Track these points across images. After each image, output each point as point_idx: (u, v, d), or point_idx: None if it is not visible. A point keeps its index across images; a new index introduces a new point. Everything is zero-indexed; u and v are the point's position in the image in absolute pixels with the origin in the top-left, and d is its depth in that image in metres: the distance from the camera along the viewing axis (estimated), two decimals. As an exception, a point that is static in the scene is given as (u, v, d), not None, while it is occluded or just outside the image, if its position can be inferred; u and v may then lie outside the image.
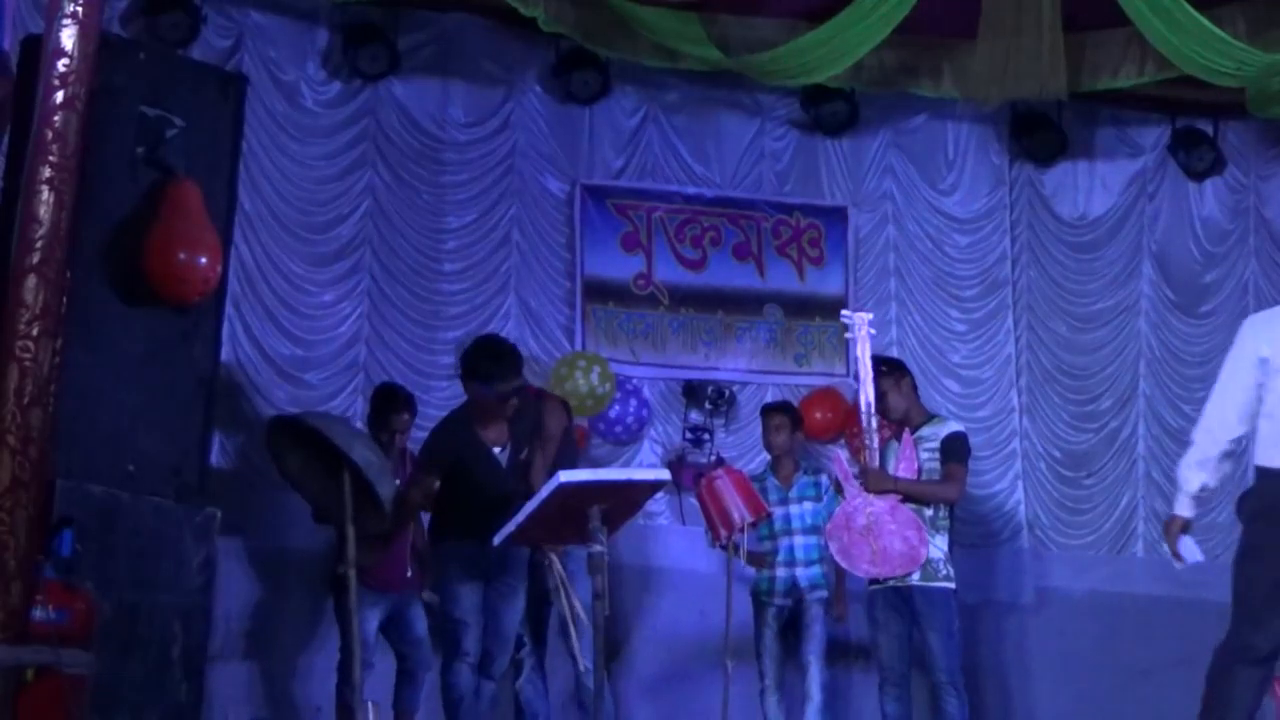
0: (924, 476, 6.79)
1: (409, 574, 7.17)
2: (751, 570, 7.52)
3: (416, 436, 7.46)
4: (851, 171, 9.45)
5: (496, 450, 6.47)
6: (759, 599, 7.53)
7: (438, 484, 6.67)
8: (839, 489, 7.03)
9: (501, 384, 6.31)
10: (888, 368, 7.01)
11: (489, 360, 6.39)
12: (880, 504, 6.69)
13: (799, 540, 7.50)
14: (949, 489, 6.82)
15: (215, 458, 7.43)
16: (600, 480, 4.90)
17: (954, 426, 7.03)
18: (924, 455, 6.85)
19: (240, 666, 7.95)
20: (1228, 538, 9.41)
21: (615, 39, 8.45)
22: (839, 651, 8.67)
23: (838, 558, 6.84)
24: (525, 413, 6.50)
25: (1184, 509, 5.10)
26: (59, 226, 4.89)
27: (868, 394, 6.69)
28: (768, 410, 7.88)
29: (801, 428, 7.93)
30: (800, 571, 7.52)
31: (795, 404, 8.92)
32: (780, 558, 7.45)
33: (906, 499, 6.75)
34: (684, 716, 8.35)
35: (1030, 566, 9.19)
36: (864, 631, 7.78)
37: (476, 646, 6.45)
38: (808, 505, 7.48)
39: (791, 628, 7.58)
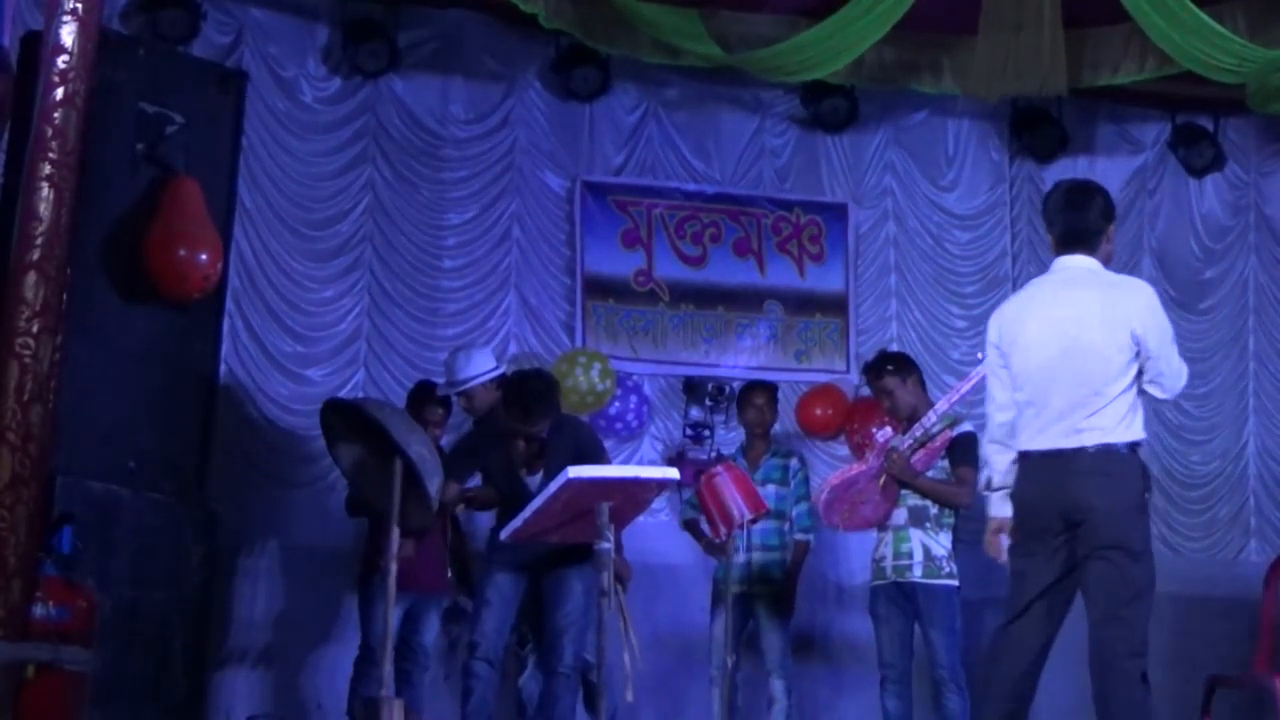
0: (932, 474, 6.77)
1: (448, 575, 7.17)
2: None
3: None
4: (852, 168, 9.44)
5: (532, 477, 6.44)
6: (717, 588, 7.43)
7: (459, 488, 6.73)
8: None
9: (519, 424, 6.33)
10: (895, 365, 6.98)
11: (512, 397, 6.40)
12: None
13: (757, 524, 7.23)
14: (962, 494, 6.80)
15: (216, 454, 7.43)
16: (609, 477, 4.88)
17: (964, 426, 6.98)
18: (947, 432, 6.81)
19: (240, 663, 7.94)
20: (1227, 534, 9.48)
21: (615, 35, 8.44)
22: (840, 648, 8.70)
23: (821, 506, 6.83)
24: (564, 441, 6.50)
25: (998, 510, 5.05)
26: (59, 223, 4.89)
27: (947, 402, 6.67)
28: (753, 388, 7.81)
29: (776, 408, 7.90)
30: (756, 556, 7.36)
31: (791, 398, 8.96)
32: (738, 542, 7.16)
33: (905, 486, 6.75)
34: (683, 713, 8.35)
35: (1030, 563, 9.18)
36: (862, 628, 7.76)
37: (488, 639, 6.43)
38: (771, 489, 7.30)
39: (751, 618, 7.43)
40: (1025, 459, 4.90)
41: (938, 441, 6.74)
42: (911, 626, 6.88)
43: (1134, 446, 4.77)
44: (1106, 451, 4.71)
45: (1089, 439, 4.72)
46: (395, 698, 5.26)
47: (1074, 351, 4.77)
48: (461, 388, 7.11)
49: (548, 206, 8.97)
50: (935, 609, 6.75)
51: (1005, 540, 5.04)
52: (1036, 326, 4.88)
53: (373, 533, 7.09)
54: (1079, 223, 4.92)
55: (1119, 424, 4.73)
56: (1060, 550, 4.77)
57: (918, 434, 6.71)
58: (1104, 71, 8.69)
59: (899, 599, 6.85)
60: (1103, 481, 4.70)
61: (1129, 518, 4.70)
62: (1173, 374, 4.83)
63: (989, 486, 5.09)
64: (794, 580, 7.47)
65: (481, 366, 7.14)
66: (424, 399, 7.35)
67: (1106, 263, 4.97)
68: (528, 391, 6.35)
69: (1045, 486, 4.83)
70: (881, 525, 6.87)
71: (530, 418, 6.30)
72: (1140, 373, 4.82)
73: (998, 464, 5.01)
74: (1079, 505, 4.72)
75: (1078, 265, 4.90)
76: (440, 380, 7.43)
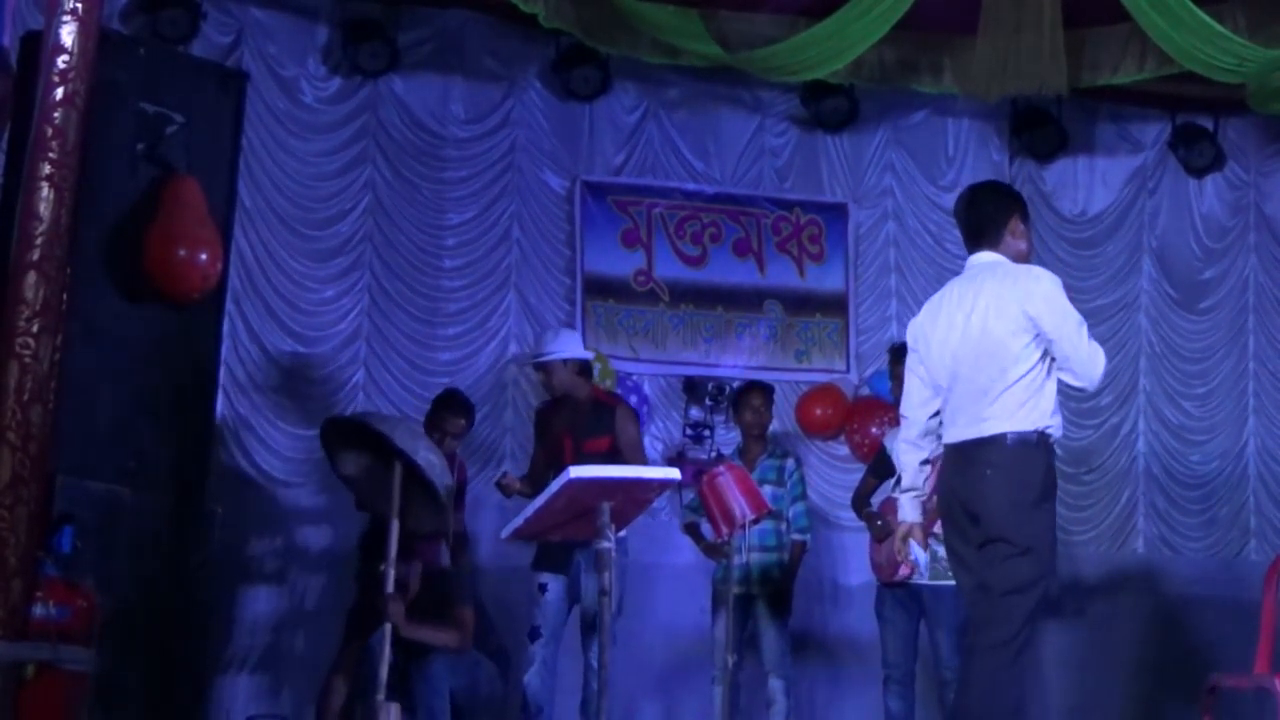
0: None
1: None
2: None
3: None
4: (852, 168, 9.44)
5: None
6: (716, 589, 7.42)
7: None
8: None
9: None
10: None
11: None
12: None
13: (755, 525, 7.14)
14: None
15: (216, 454, 7.42)
16: (610, 477, 4.88)
17: None
18: None
19: (240, 663, 7.95)
20: (1227, 534, 9.48)
21: (615, 35, 8.44)
22: (840, 648, 8.70)
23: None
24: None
25: (907, 514, 5.07)
26: (59, 223, 4.89)
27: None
28: (750, 390, 7.78)
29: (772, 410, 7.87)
30: (754, 557, 7.31)
31: (791, 398, 8.96)
32: (735, 543, 7.03)
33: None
34: (684, 712, 8.35)
35: (1030, 563, 9.19)
36: (862, 628, 7.77)
37: None
38: (767, 489, 7.21)
39: (750, 618, 7.41)
40: (944, 452, 4.92)
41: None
42: (916, 627, 6.89)
43: (1037, 436, 4.67)
44: (1000, 441, 4.66)
45: (987, 429, 4.69)
46: (392, 701, 5.28)
47: (974, 342, 4.78)
48: (544, 358, 7.05)
49: (548, 206, 8.97)
50: (941, 609, 6.75)
51: (913, 546, 5.13)
52: (944, 322, 4.92)
53: (371, 534, 7.09)
54: (975, 218, 4.95)
55: (1017, 412, 4.66)
56: (980, 539, 4.74)
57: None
58: (1104, 71, 8.69)
59: (905, 600, 6.85)
60: (995, 473, 4.65)
61: (1017, 512, 4.63)
62: (1081, 359, 4.69)
63: (898, 487, 5.07)
64: (791, 580, 7.47)
65: (567, 346, 7.08)
66: (447, 408, 7.35)
67: (1018, 261, 4.89)
68: None
69: (950, 478, 4.85)
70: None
71: None
72: (1049, 362, 4.73)
73: (908, 463, 5.01)
74: (974, 496, 4.71)
75: (980, 261, 4.92)
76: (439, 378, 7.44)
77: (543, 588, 6.87)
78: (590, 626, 6.76)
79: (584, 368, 7.07)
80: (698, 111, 9.28)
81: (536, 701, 6.89)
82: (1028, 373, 4.69)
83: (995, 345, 4.72)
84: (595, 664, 6.66)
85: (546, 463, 6.96)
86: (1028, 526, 4.64)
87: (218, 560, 7.18)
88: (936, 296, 5.10)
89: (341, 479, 5.71)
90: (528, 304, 8.83)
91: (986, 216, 4.93)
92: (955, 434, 4.83)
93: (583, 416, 6.94)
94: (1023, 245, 4.93)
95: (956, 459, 4.81)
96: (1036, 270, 4.84)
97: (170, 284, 6.44)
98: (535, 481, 6.94)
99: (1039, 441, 4.68)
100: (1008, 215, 4.90)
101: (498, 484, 7.04)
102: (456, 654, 6.26)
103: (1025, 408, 4.67)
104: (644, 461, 6.74)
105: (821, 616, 8.76)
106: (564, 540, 6.06)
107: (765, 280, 9.22)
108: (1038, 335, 4.69)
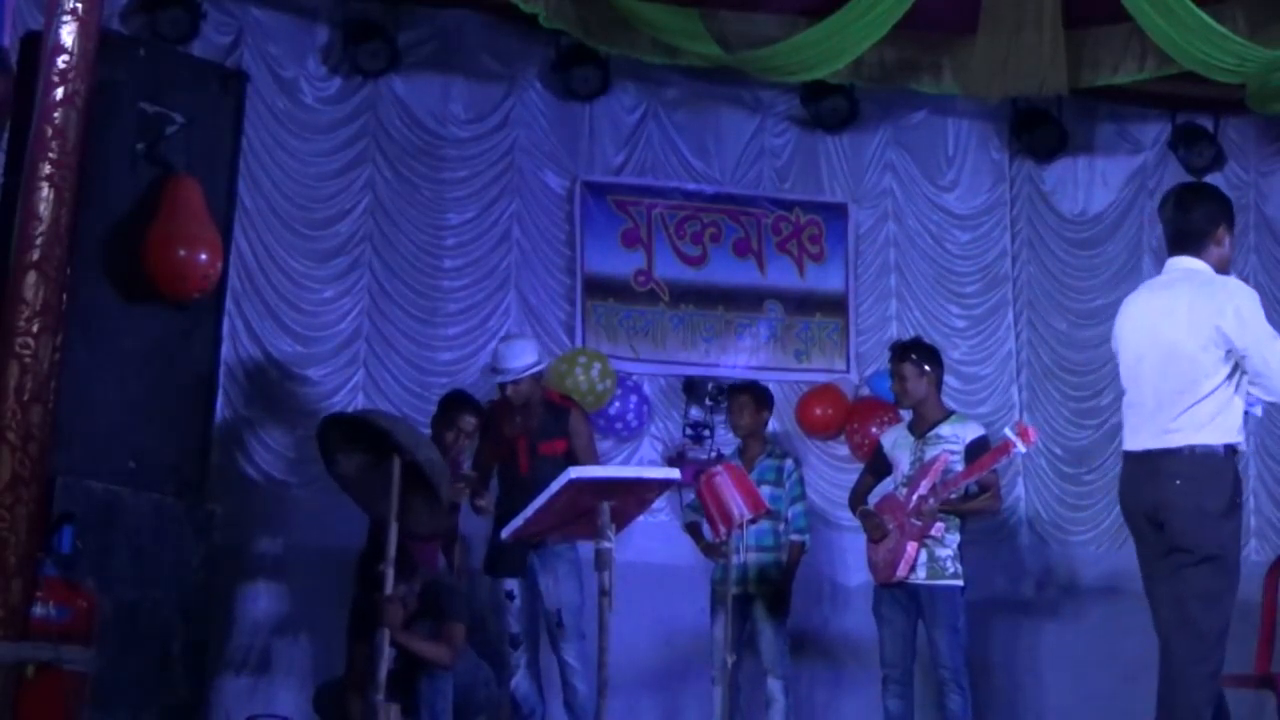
0: (947, 478, 6.74)
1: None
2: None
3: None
4: (852, 168, 9.44)
5: None
6: (715, 589, 7.42)
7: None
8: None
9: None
10: (919, 354, 6.99)
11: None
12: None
13: (753, 525, 7.11)
14: (994, 502, 6.94)
15: (216, 454, 7.42)
16: (611, 477, 4.90)
17: (977, 430, 6.98)
18: (946, 453, 6.79)
19: (240, 663, 7.94)
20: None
21: (615, 35, 8.44)
22: (839, 648, 8.69)
23: (887, 559, 6.82)
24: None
25: None
26: (59, 223, 4.89)
27: (969, 479, 6.72)
28: (737, 391, 7.79)
29: (769, 408, 7.85)
30: (752, 557, 7.32)
31: (791, 398, 8.96)
32: (732, 543, 7.00)
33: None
34: (683, 713, 8.35)
35: (1030, 562, 9.19)
36: (862, 628, 7.77)
37: None
38: (766, 489, 7.23)
39: (748, 619, 7.42)
40: (1125, 458, 4.96)
41: (938, 466, 6.72)
42: (915, 627, 6.88)
43: (1226, 450, 4.73)
44: (1189, 453, 4.71)
45: (1176, 440, 4.73)
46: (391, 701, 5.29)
47: (1161, 350, 4.79)
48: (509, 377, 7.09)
49: (548, 206, 8.97)
50: (939, 609, 6.75)
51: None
52: (1131, 326, 4.95)
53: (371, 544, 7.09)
54: (1180, 223, 4.93)
55: (1206, 425, 4.70)
56: (1165, 548, 4.77)
57: (945, 497, 6.69)
58: (1104, 71, 8.69)
59: (903, 599, 6.85)
60: (1185, 484, 4.69)
61: (1207, 522, 4.68)
62: (1273, 375, 4.69)
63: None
64: (789, 581, 7.47)
65: (532, 356, 7.15)
66: (458, 407, 7.35)
67: (1220, 267, 4.90)
68: None
69: (1133, 486, 4.90)
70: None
71: None
72: (1240, 376, 4.75)
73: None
74: (1161, 506, 4.74)
75: (1179, 266, 4.91)
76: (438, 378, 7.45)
77: (510, 595, 6.92)
78: (556, 625, 6.84)
79: (540, 374, 7.21)
80: (698, 111, 9.28)
81: (528, 704, 6.95)
82: (1218, 387, 4.71)
83: (1184, 358, 4.73)
84: (571, 661, 6.79)
85: (495, 461, 7.05)
86: (1214, 536, 4.69)
87: (218, 560, 7.18)
88: (1132, 296, 5.08)
89: (336, 479, 5.71)
90: (528, 304, 8.83)
91: (1194, 224, 4.89)
92: (1140, 442, 4.86)
93: (537, 419, 7.04)
94: (1226, 252, 4.91)
95: (1142, 467, 4.84)
96: (1233, 284, 4.82)
97: (170, 284, 6.45)
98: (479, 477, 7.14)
99: (1227, 454, 4.72)
100: (1216, 224, 4.87)
101: (474, 506, 7.08)
102: (444, 668, 6.27)
103: (1214, 422, 4.71)
104: (597, 463, 6.91)
105: (820, 617, 8.76)
106: (516, 541, 6.11)
107: (765, 280, 9.22)
108: (1229, 350, 4.69)
